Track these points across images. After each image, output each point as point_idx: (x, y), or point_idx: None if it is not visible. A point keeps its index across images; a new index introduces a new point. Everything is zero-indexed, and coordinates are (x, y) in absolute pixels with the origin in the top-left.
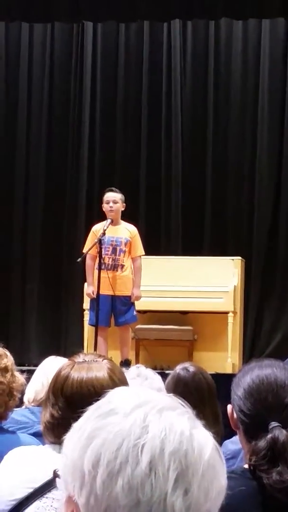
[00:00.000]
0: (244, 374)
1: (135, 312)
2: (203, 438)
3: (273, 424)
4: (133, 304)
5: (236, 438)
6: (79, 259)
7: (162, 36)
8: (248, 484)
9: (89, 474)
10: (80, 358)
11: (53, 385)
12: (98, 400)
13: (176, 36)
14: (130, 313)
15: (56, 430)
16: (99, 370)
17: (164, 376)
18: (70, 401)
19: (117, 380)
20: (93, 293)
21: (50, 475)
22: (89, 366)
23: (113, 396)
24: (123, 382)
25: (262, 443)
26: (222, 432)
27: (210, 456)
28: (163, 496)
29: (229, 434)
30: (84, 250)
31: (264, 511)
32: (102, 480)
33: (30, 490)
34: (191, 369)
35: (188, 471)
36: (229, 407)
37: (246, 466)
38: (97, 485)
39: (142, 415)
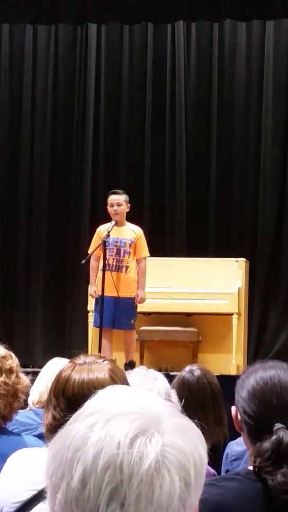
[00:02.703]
0: (248, 376)
1: (133, 320)
2: (148, 445)
3: (278, 425)
4: (135, 308)
5: (240, 440)
6: (83, 261)
7: (166, 37)
8: (252, 485)
9: (47, 484)
10: (81, 359)
11: (54, 387)
12: None
13: (180, 37)
14: (130, 318)
15: (58, 432)
16: (100, 371)
17: (168, 377)
18: (71, 403)
19: (118, 380)
20: (95, 293)
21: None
22: (90, 367)
23: (91, 400)
24: (124, 382)
25: (266, 444)
26: (227, 435)
27: (151, 465)
28: (95, 510)
29: (234, 435)
30: (89, 251)
31: None
32: (49, 491)
33: (34, 492)
34: (196, 372)
35: (123, 484)
36: (233, 408)
37: (250, 467)
38: (47, 497)
39: (88, 424)
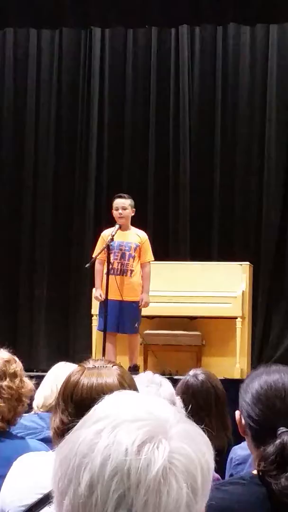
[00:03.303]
0: (252, 380)
1: (137, 324)
2: (155, 452)
3: (282, 429)
4: (139, 313)
5: (244, 444)
6: (87, 265)
7: (170, 41)
8: (256, 490)
9: (53, 490)
10: (90, 363)
11: (63, 391)
12: None
13: (184, 42)
14: (134, 322)
15: (65, 436)
16: (109, 376)
17: (172, 381)
18: (80, 407)
19: (126, 385)
20: (100, 297)
21: None
22: (99, 372)
23: (98, 405)
24: (133, 387)
25: (270, 448)
26: (231, 439)
27: (158, 471)
28: None
29: (238, 440)
30: (93, 255)
31: None
32: (56, 497)
33: (39, 496)
34: (201, 377)
35: (130, 491)
36: (237, 413)
37: (255, 472)
38: (54, 502)
39: (95, 430)
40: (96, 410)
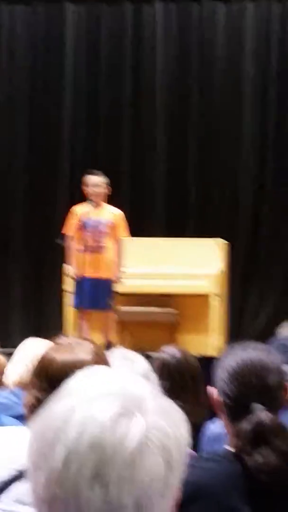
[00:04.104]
0: (227, 357)
1: (111, 301)
2: (130, 426)
3: (257, 406)
4: (112, 290)
5: (219, 421)
6: (58, 240)
7: (145, 17)
8: (231, 466)
9: (28, 465)
10: (64, 340)
11: (37, 368)
12: None
13: (159, 18)
14: (109, 299)
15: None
16: (83, 353)
17: (147, 358)
18: (53, 383)
19: (101, 362)
20: (75, 276)
21: None
22: (73, 348)
23: (71, 380)
24: (107, 364)
25: (246, 425)
26: (206, 415)
27: (133, 445)
28: (77, 490)
29: (212, 416)
30: (65, 231)
31: (247, 494)
32: (30, 472)
33: (14, 471)
34: (176, 354)
35: (105, 464)
36: (212, 389)
37: (229, 448)
38: (29, 477)
39: (69, 405)
40: (70, 385)
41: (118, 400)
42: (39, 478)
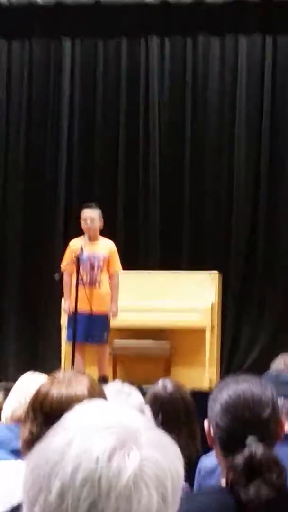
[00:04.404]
0: (220, 390)
1: (106, 334)
2: (126, 460)
3: (250, 439)
4: (108, 323)
5: (213, 455)
6: (56, 276)
7: (140, 52)
8: (225, 500)
9: (23, 498)
10: (60, 374)
11: (32, 402)
12: None
13: (154, 52)
14: (103, 333)
15: (35, 447)
16: (79, 387)
17: (141, 391)
18: (49, 418)
19: (96, 396)
20: (70, 309)
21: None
22: (69, 382)
23: (69, 414)
24: (103, 398)
25: (239, 458)
26: (200, 450)
27: (129, 479)
28: None
29: (206, 450)
30: (62, 266)
31: None
32: (26, 506)
33: (8, 507)
34: (169, 388)
35: (101, 498)
36: (206, 422)
37: (223, 482)
38: (24, 511)
39: (66, 439)
40: (67, 419)
41: (113, 433)
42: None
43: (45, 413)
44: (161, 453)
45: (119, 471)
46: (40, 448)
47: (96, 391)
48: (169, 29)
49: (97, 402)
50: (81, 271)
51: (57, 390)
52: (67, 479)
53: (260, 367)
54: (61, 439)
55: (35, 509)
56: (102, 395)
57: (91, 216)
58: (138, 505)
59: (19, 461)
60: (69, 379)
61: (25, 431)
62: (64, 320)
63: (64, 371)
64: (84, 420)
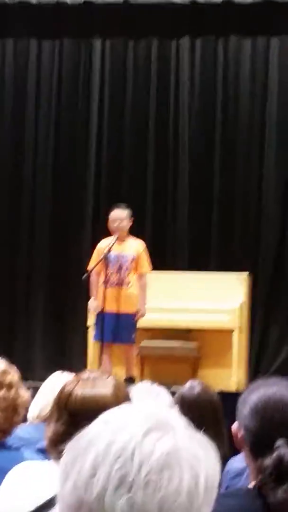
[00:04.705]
0: (250, 393)
1: (134, 335)
2: (162, 439)
3: (279, 442)
4: (135, 324)
5: (241, 456)
6: (84, 276)
7: (170, 53)
8: (253, 503)
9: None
10: (85, 374)
11: (57, 401)
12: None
13: (185, 53)
14: (131, 333)
15: (60, 446)
16: (104, 387)
17: (168, 393)
18: (73, 417)
19: (121, 397)
20: (97, 308)
21: (54, 491)
22: (94, 382)
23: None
24: (127, 399)
25: (268, 461)
26: (227, 453)
27: (161, 456)
28: (103, 496)
29: (234, 453)
30: (89, 267)
31: None
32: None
33: (34, 507)
34: (197, 389)
35: (133, 471)
36: (234, 425)
37: (251, 484)
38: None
39: (104, 421)
40: (105, 413)
41: (150, 419)
42: (68, 484)
43: (70, 413)
44: (196, 445)
45: (153, 448)
46: (79, 433)
47: (121, 392)
48: (200, 29)
49: (135, 405)
50: (109, 271)
51: (82, 390)
52: (101, 451)
53: None
54: (99, 421)
55: (67, 483)
56: (127, 396)
57: (120, 216)
58: (168, 482)
59: (46, 461)
60: (94, 379)
61: (49, 430)
62: (91, 320)
63: (90, 371)
64: (123, 411)
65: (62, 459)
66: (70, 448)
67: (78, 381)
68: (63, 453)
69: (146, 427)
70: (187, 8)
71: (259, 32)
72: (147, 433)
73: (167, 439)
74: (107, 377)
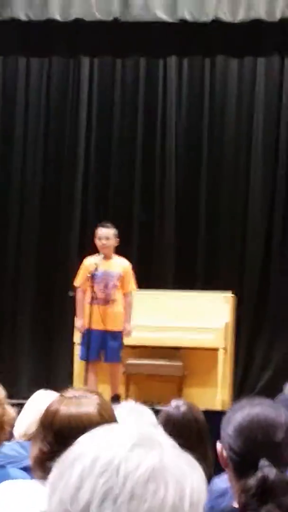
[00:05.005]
0: (234, 412)
1: (120, 353)
2: (148, 454)
3: (263, 462)
4: (121, 342)
5: (225, 476)
6: (70, 293)
7: (158, 72)
8: None
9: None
10: (70, 393)
11: (42, 420)
12: None
13: (172, 72)
14: (117, 351)
15: (45, 465)
16: (89, 406)
17: (154, 412)
18: (59, 436)
19: (106, 415)
20: (83, 327)
21: (38, 510)
22: (79, 401)
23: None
24: (112, 417)
25: (252, 481)
26: (212, 472)
27: (147, 471)
28: (88, 508)
29: (219, 471)
30: (76, 283)
31: None
32: (48, 494)
33: None
34: (182, 408)
35: (118, 484)
36: (218, 445)
37: (235, 504)
38: (47, 501)
39: (90, 437)
40: (91, 431)
41: (136, 436)
42: (54, 498)
43: (55, 432)
44: (183, 462)
45: (138, 462)
46: (67, 450)
47: (106, 411)
48: (188, 49)
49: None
50: (95, 289)
51: (66, 408)
52: (87, 466)
53: (273, 389)
54: (85, 438)
55: (54, 497)
56: (111, 415)
57: (106, 234)
58: (153, 496)
59: (30, 480)
60: (78, 398)
61: (35, 450)
62: (77, 338)
63: (74, 390)
64: (109, 429)
65: (50, 475)
66: (58, 464)
67: (63, 400)
68: (48, 472)
69: (132, 442)
70: (175, 27)
71: (246, 52)
72: (133, 449)
73: (153, 454)
74: (92, 396)
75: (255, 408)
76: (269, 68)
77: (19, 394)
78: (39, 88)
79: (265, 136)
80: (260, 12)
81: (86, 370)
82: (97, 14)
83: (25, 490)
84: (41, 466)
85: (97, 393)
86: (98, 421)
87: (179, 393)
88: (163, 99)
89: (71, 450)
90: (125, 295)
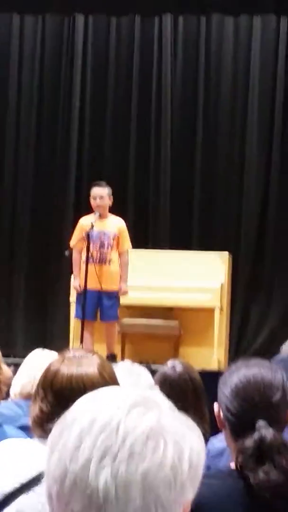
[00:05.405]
0: (231, 374)
1: (117, 311)
2: (146, 415)
3: (260, 423)
4: (118, 301)
5: (221, 436)
6: (66, 252)
7: (153, 30)
8: (234, 483)
9: (47, 446)
10: (70, 353)
11: (42, 380)
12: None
13: (167, 30)
14: (113, 310)
15: (44, 425)
16: (89, 366)
17: (149, 371)
18: (59, 396)
19: (107, 376)
20: (79, 287)
21: (38, 469)
22: (79, 361)
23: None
24: (113, 378)
25: (248, 442)
26: (208, 431)
27: (146, 430)
28: (88, 466)
29: (215, 432)
30: (71, 243)
31: (249, 511)
32: (47, 453)
33: (17, 484)
34: (178, 368)
35: (117, 442)
36: (216, 405)
37: (232, 465)
38: (46, 460)
39: (90, 397)
40: (90, 392)
41: (135, 397)
42: (54, 457)
43: (55, 392)
44: (181, 423)
45: (137, 422)
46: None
47: (106, 371)
48: (183, 7)
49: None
50: (91, 248)
51: (67, 368)
52: (86, 425)
53: (269, 349)
54: (85, 398)
55: (53, 456)
56: (112, 375)
57: (100, 193)
58: (152, 454)
59: (28, 439)
60: (79, 358)
61: (35, 409)
62: (73, 297)
63: (74, 350)
64: (106, 392)
65: (50, 435)
66: (57, 425)
67: (63, 360)
68: (48, 431)
69: (131, 403)
70: None
71: (241, 10)
72: (132, 409)
73: (151, 414)
74: (93, 356)
75: (251, 369)
76: (265, 26)
77: (15, 353)
78: (34, 46)
79: (261, 94)
80: None
81: (82, 329)
82: None
83: (24, 449)
84: (41, 426)
85: (97, 354)
86: (99, 381)
87: (175, 353)
88: (158, 57)
89: (69, 411)
90: (121, 254)
